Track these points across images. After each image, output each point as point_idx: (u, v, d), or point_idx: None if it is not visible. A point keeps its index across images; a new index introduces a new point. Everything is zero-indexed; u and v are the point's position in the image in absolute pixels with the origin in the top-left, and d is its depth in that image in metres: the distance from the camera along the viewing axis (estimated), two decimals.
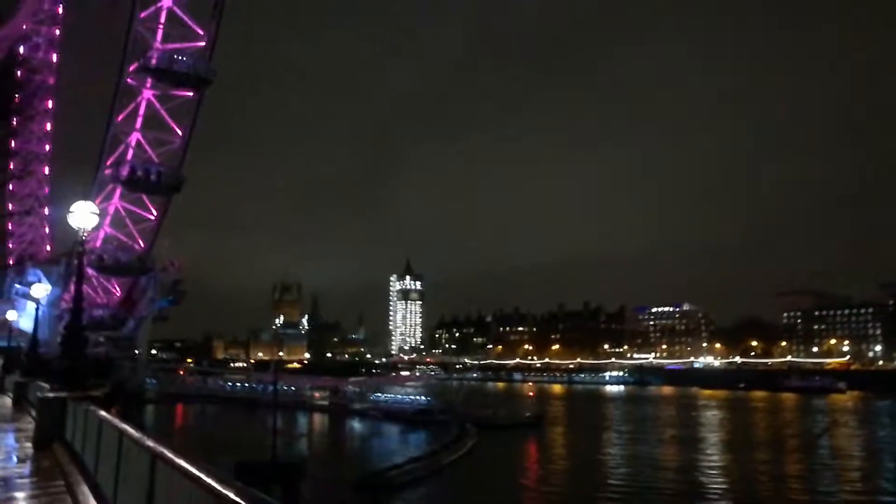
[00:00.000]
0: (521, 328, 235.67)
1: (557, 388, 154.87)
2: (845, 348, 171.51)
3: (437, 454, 49.72)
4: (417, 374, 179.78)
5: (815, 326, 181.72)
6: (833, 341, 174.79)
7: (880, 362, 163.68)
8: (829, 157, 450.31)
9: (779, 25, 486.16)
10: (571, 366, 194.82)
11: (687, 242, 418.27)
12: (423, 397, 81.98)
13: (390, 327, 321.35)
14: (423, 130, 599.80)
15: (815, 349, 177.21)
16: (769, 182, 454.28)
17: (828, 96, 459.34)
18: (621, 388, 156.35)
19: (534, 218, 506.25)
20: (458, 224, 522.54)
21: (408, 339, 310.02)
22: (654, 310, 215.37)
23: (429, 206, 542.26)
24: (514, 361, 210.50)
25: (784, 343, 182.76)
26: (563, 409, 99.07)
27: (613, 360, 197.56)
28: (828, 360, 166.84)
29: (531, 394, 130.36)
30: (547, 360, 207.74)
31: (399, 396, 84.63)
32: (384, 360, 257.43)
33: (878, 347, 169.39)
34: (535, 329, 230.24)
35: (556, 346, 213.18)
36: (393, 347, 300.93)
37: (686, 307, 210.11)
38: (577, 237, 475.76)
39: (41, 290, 38.77)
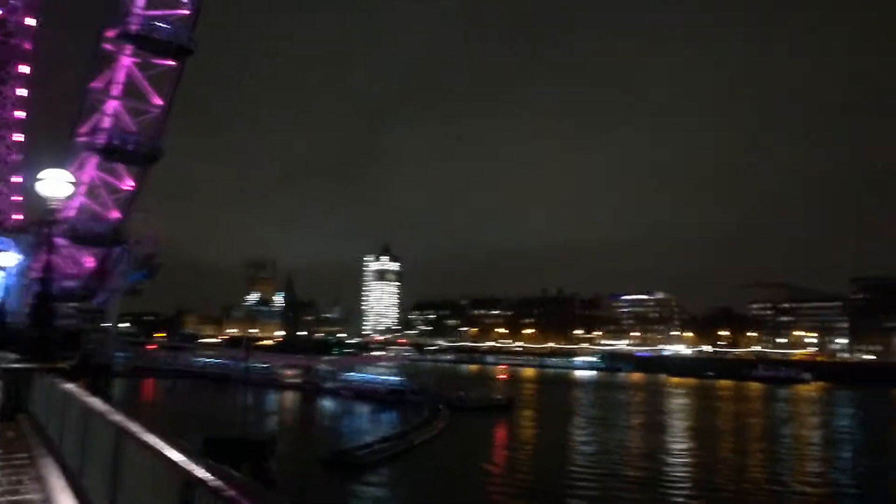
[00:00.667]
0: (495, 312, 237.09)
1: (529, 372, 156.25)
2: (813, 340, 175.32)
3: (408, 434, 50.11)
4: (391, 354, 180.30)
5: (784, 318, 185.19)
6: (800, 333, 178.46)
7: (845, 354, 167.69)
8: (825, 151, 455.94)
9: (774, 22, 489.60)
10: (547, 350, 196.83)
11: (672, 234, 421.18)
12: (395, 377, 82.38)
13: (363, 307, 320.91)
14: (411, 115, 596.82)
15: (783, 340, 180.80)
16: (760, 177, 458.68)
17: (822, 86, 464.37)
18: (592, 373, 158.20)
19: (521, 205, 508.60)
20: (443, 208, 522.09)
21: (382, 320, 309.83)
22: (627, 297, 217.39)
23: (413, 189, 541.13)
24: (488, 344, 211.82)
25: (753, 334, 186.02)
26: (534, 392, 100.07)
27: (585, 345, 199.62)
28: (795, 352, 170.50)
29: (503, 377, 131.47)
30: (520, 343, 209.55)
31: (371, 376, 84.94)
32: (356, 339, 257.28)
33: (844, 340, 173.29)
34: (509, 313, 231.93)
35: (529, 331, 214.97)
36: (366, 327, 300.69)
37: (660, 295, 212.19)
38: (565, 225, 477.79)
39: (9, 258, 37.95)
